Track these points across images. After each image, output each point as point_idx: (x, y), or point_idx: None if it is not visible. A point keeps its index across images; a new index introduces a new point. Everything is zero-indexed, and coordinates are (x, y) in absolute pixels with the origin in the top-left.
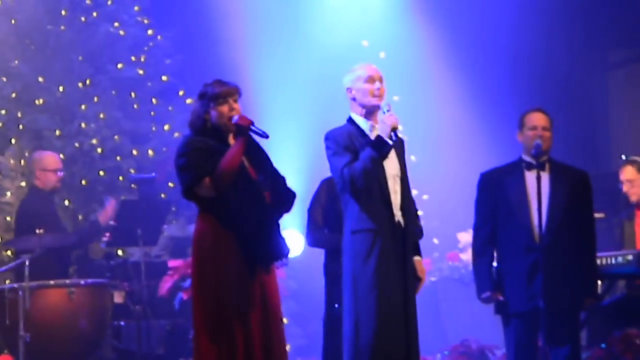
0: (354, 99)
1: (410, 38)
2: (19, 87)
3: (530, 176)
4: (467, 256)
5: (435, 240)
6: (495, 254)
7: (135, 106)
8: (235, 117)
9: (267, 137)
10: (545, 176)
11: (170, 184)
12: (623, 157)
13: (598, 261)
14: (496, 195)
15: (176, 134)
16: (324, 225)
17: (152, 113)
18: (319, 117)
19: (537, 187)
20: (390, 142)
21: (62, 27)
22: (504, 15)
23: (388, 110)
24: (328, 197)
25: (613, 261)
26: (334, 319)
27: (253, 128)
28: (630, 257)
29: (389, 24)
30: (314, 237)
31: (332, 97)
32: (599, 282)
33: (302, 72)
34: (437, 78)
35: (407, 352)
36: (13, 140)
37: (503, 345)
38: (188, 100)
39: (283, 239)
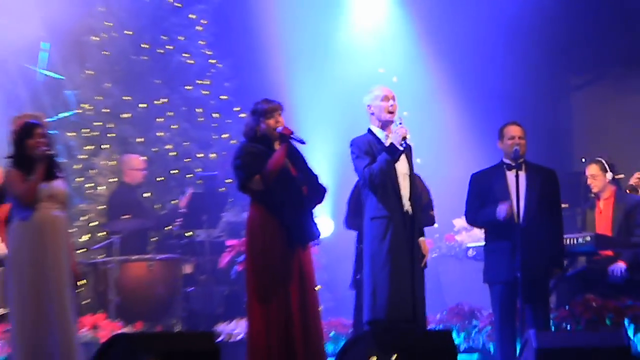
0: (372, 114)
1: (417, 65)
2: (110, 104)
3: (510, 175)
4: (460, 237)
5: (436, 225)
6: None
7: (200, 119)
8: (280, 128)
9: (304, 143)
10: (522, 175)
11: (228, 180)
12: (583, 160)
13: (563, 241)
14: (483, 190)
15: (233, 141)
16: (358, 213)
17: (214, 125)
18: (344, 127)
19: (516, 183)
20: (401, 148)
21: (144, 57)
22: (493, 47)
23: (400, 123)
24: (361, 192)
25: (575, 241)
26: (360, 285)
27: (293, 136)
28: (588, 238)
29: (400, 55)
30: (350, 222)
31: (355, 112)
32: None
33: (331, 92)
34: (438, 97)
35: (413, 312)
36: (105, 146)
37: (489, 307)
38: (242, 115)
39: (316, 223)
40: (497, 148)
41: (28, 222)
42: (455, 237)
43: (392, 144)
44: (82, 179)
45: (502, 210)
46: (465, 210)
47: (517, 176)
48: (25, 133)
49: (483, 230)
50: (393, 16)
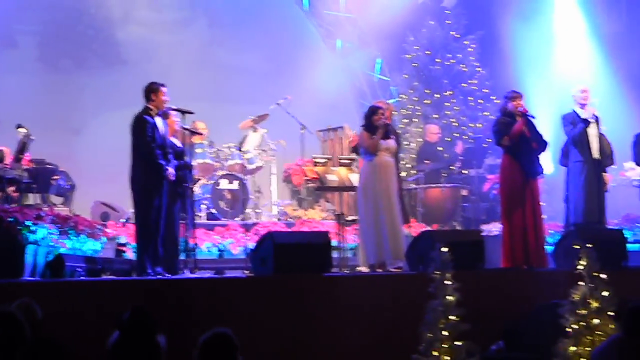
0: (575, 100)
1: (604, 70)
2: (417, 95)
3: None
4: (629, 174)
5: (614, 166)
6: None
7: (471, 104)
8: (520, 108)
9: (534, 118)
10: None
11: (488, 140)
12: None
13: None
14: None
15: (491, 117)
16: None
17: (479, 106)
18: (557, 108)
19: None
20: (591, 121)
21: (437, 67)
22: None
23: (591, 105)
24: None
25: None
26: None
27: (528, 114)
28: None
29: (593, 64)
30: (562, 161)
31: (563, 100)
32: None
33: (550, 87)
34: (616, 88)
35: (599, 218)
36: (414, 120)
37: None
38: (496, 101)
39: (541, 165)
40: None
41: (372, 163)
42: (625, 173)
43: (586, 117)
44: (401, 139)
45: None
46: (633, 156)
47: None
48: (372, 112)
49: None
50: (588, 38)
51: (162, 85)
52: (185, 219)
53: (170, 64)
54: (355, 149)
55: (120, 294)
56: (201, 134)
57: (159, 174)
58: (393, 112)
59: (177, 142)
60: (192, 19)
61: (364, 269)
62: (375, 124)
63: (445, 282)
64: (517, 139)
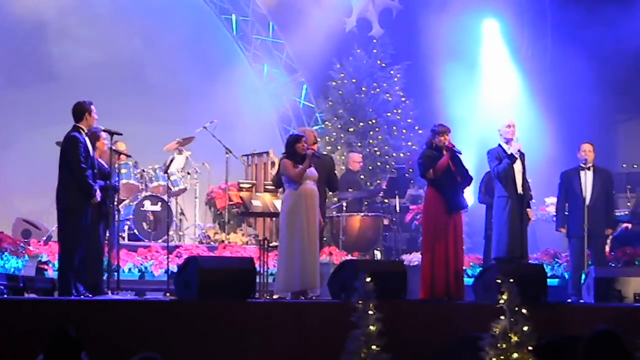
0: (501, 135)
1: (530, 105)
2: (342, 122)
3: (582, 173)
4: (549, 209)
5: (533, 201)
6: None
7: (395, 133)
8: (447, 143)
9: (460, 153)
10: (590, 173)
11: (411, 170)
12: (624, 165)
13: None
14: (567, 182)
15: (414, 147)
16: (486, 192)
17: (402, 137)
18: (483, 142)
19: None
20: (517, 156)
21: (363, 95)
22: (581, 95)
23: (516, 141)
24: (488, 180)
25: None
26: (488, 236)
27: (454, 148)
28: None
29: (518, 99)
30: (481, 198)
31: (487, 134)
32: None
33: (476, 120)
34: (543, 125)
35: (521, 253)
36: (339, 148)
37: (566, 251)
38: (420, 131)
39: (464, 198)
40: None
41: (297, 192)
42: (546, 208)
43: (511, 153)
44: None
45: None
46: (558, 194)
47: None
48: (295, 140)
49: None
50: (514, 71)
51: (91, 103)
52: (109, 239)
53: (100, 81)
54: (274, 181)
55: (44, 313)
56: (129, 155)
57: (87, 195)
58: (318, 139)
59: (104, 163)
60: (127, 38)
61: (277, 295)
62: (299, 152)
63: (368, 311)
64: (442, 172)
